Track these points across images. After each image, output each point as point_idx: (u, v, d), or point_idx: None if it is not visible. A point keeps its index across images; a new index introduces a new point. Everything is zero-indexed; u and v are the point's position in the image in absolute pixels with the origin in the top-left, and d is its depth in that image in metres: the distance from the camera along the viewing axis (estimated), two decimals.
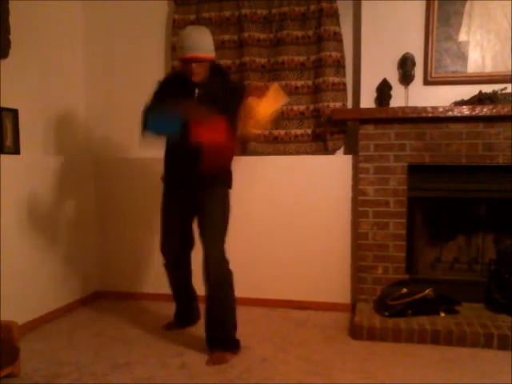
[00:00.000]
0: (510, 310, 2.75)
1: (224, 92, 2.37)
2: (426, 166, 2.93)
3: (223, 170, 2.45)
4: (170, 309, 2.89)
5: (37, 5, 2.96)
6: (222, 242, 2.41)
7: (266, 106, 2.19)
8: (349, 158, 3.16)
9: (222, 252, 2.40)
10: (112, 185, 3.51)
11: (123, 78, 3.49)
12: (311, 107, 3.19)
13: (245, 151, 3.24)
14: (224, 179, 2.48)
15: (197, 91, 2.36)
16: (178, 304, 2.82)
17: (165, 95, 2.39)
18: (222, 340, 2.42)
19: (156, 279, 3.32)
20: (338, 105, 3.12)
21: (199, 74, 2.31)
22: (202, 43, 2.28)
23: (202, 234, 2.43)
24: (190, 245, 2.64)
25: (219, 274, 2.38)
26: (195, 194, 2.43)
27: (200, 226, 2.45)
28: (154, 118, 2.29)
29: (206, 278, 2.37)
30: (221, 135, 2.20)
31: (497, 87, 2.80)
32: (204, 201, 2.41)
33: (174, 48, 3.31)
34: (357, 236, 3.07)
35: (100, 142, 3.53)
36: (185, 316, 2.82)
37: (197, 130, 2.18)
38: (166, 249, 2.63)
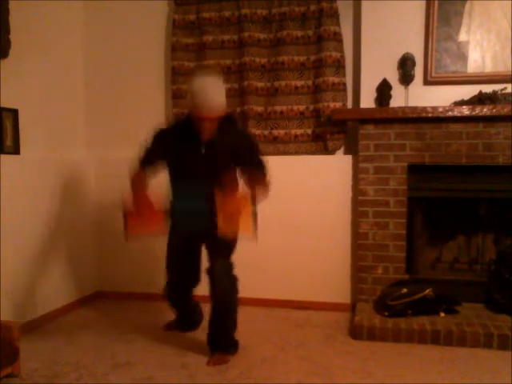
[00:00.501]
0: (510, 309, 2.75)
1: (233, 148, 2.31)
2: (426, 166, 2.93)
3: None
4: (169, 309, 2.88)
5: (37, 5, 2.96)
6: (230, 254, 2.41)
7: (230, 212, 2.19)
8: (349, 158, 3.16)
9: (229, 261, 2.39)
10: (112, 185, 3.51)
11: (123, 78, 3.49)
12: (311, 107, 3.19)
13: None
14: None
15: (204, 148, 2.28)
16: (178, 315, 2.78)
17: (165, 148, 2.32)
18: (223, 342, 2.42)
19: (155, 279, 3.31)
20: (338, 105, 3.12)
21: (211, 130, 2.23)
22: (218, 101, 2.17)
23: (210, 251, 2.42)
24: (195, 282, 2.58)
25: (226, 281, 2.35)
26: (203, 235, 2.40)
27: (208, 245, 2.44)
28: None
29: (212, 285, 2.34)
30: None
31: (497, 87, 2.80)
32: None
33: (174, 48, 3.32)
34: (357, 236, 3.07)
35: (100, 142, 3.53)
36: (186, 323, 2.78)
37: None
38: (168, 293, 2.59)
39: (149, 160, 2.35)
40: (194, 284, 2.58)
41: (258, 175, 2.37)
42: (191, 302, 2.69)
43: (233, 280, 2.38)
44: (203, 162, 2.29)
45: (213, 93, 2.15)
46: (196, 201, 2.26)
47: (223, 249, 2.37)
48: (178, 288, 2.58)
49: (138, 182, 2.32)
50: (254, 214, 2.30)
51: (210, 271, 2.34)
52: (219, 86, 2.20)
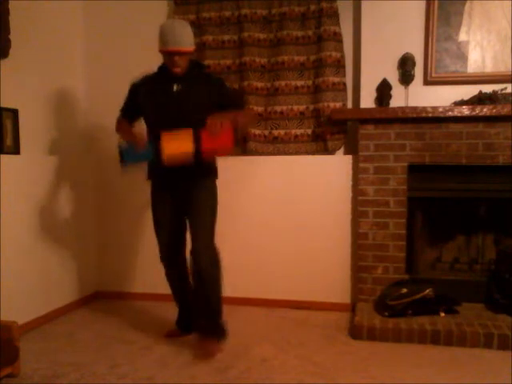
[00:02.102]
0: (510, 309, 2.75)
1: (206, 85, 2.41)
2: (426, 165, 2.93)
3: (211, 162, 2.49)
4: (169, 309, 2.89)
5: (37, 5, 2.96)
6: (212, 229, 2.45)
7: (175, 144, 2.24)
8: (349, 158, 3.16)
9: (211, 239, 2.43)
10: (112, 185, 3.51)
11: (123, 78, 3.45)
12: (311, 107, 3.19)
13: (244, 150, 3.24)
14: (211, 169, 2.51)
15: (175, 86, 2.38)
16: (180, 310, 2.76)
17: (140, 97, 2.45)
18: (212, 327, 2.45)
19: (155, 279, 3.31)
20: (338, 105, 3.12)
21: (181, 66, 2.34)
22: (185, 37, 2.31)
23: (191, 223, 2.44)
24: (183, 243, 2.63)
25: (210, 259, 2.39)
26: (184, 187, 2.44)
27: (189, 215, 2.46)
28: (127, 153, 2.30)
29: (194, 263, 2.39)
30: (229, 139, 2.24)
31: (497, 87, 2.80)
32: (193, 192, 2.42)
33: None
34: (357, 236, 3.07)
35: (100, 142, 3.53)
36: (188, 322, 2.75)
37: (207, 141, 2.23)
38: (162, 254, 2.60)
39: (128, 112, 2.54)
40: (182, 241, 2.61)
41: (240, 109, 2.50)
42: (185, 266, 2.65)
43: (217, 259, 2.43)
44: (176, 101, 2.36)
45: (180, 30, 2.30)
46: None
47: (207, 219, 2.42)
48: (169, 247, 2.58)
49: (124, 126, 2.51)
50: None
51: (193, 248, 2.39)
52: (186, 25, 2.35)
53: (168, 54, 2.33)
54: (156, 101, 2.40)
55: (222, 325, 2.51)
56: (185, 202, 2.45)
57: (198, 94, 2.37)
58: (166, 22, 2.41)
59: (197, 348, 2.42)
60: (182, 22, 2.40)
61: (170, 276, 2.67)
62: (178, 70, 2.35)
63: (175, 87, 2.38)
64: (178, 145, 2.24)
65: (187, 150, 2.24)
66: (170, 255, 2.60)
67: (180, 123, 2.28)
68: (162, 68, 2.45)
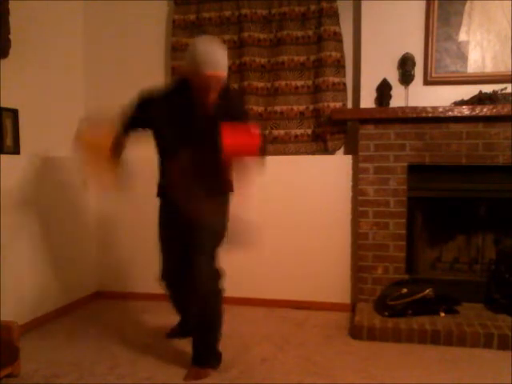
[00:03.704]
0: (510, 309, 2.75)
1: (228, 107, 2.19)
2: (426, 165, 2.93)
3: (225, 176, 2.26)
4: (169, 309, 2.88)
5: (37, 5, 2.96)
6: (213, 253, 2.26)
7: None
8: (349, 158, 3.16)
9: (210, 265, 2.24)
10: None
11: (123, 78, 3.49)
12: (311, 107, 3.19)
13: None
14: (225, 186, 2.29)
15: (200, 110, 2.15)
16: (182, 316, 2.71)
17: (154, 112, 2.20)
18: (203, 355, 2.28)
19: (155, 279, 3.31)
20: (338, 105, 3.12)
21: (216, 91, 2.11)
22: (224, 61, 2.09)
23: (189, 247, 2.25)
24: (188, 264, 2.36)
25: (209, 288, 2.23)
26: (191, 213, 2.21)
27: (189, 239, 2.25)
28: None
29: (194, 291, 2.22)
30: (255, 137, 2.06)
31: (497, 87, 2.80)
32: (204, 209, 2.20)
33: (174, 48, 3.32)
34: (357, 236, 3.07)
35: None
36: (188, 327, 2.60)
37: (229, 146, 2.00)
38: (163, 275, 2.50)
39: (132, 126, 2.31)
40: (186, 266, 2.35)
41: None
42: (187, 289, 2.43)
43: (216, 288, 2.25)
44: (200, 125, 2.15)
45: (222, 51, 2.07)
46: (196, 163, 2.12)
47: (212, 241, 2.23)
48: (171, 272, 2.47)
49: (120, 146, 2.31)
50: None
51: (191, 274, 2.21)
52: (225, 49, 2.10)
53: (205, 78, 2.06)
54: (177, 123, 2.17)
55: (216, 352, 2.32)
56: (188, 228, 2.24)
57: (220, 118, 2.14)
58: (204, 42, 2.08)
59: (188, 371, 2.26)
60: (220, 43, 2.12)
61: (170, 293, 2.57)
62: (213, 95, 2.10)
63: (199, 111, 2.15)
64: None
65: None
66: (171, 280, 2.50)
67: (199, 147, 2.15)
68: (182, 86, 2.16)
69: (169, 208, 2.36)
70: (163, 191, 2.36)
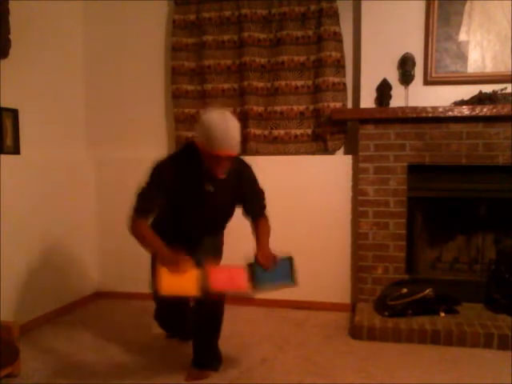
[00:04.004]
0: (510, 309, 2.75)
1: (237, 182, 2.19)
2: (426, 165, 2.93)
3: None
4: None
5: (37, 5, 2.96)
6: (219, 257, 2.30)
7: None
8: (349, 158, 3.16)
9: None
10: (112, 185, 3.51)
11: (123, 78, 3.49)
12: (311, 107, 3.19)
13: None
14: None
15: (208, 186, 2.10)
16: (181, 334, 2.59)
17: (167, 188, 2.06)
18: (206, 356, 2.27)
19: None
20: (338, 105, 3.12)
21: (226, 169, 2.05)
22: (238, 139, 2.02)
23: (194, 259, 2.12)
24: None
25: (215, 301, 2.17)
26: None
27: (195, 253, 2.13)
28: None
29: (199, 302, 2.15)
30: (242, 281, 2.05)
31: (497, 87, 2.80)
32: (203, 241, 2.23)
33: (174, 48, 3.32)
34: (357, 236, 3.07)
35: (100, 142, 3.53)
36: (188, 332, 2.51)
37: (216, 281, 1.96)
38: (161, 310, 2.40)
39: (153, 207, 2.10)
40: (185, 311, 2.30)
41: (265, 220, 2.34)
42: (188, 322, 2.37)
43: (222, 300, 2.22)
44: (207, 201, 2.12)
45: (236, 130, 2.00)
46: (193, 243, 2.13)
47: (214, 256, 2.22)
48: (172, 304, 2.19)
49: (154, 237, 2.05)
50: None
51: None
52: (238, 126, 2.03)
53: (214, 156, 1.99)
54: (186, 197, 2.10)
55: (218, 353, 2.31)
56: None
57: (228, 194, 2.18)
58: (219, 118, 1.97)
59: (189, 372, 2.25)
60: (234, 121, 2.01)
61: (171, 327, 2.49)
62: (223, 174, 2.05)
63: (207, 187, 2.11)
64: (180, 284, 1.91)
65: (190, 292, 1.94)
66: (172, 316, 2.37)
67: (206, 221, 2.16)
68: (193, 159, 2.08)
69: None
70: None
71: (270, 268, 2.12)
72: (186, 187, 2.08)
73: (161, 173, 2.08)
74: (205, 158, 2.03)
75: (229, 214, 2.27)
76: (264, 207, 2.36)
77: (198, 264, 2.00)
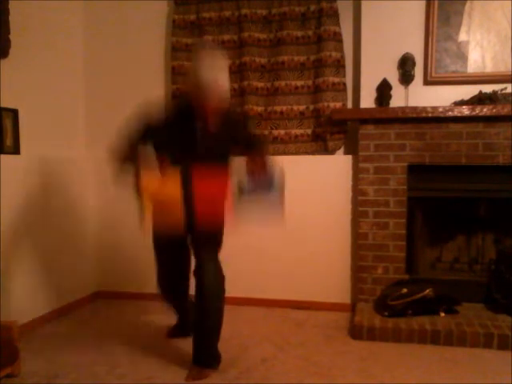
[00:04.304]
0: (510, 309, 2.75)
1: (228, 129, 2.25)
2: (426, 165, 2.93)
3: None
4: (169, 309, 2.88)
5: (37, 5, 2.96)
6: (218, 252, 2.31)
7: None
8: (349, 158, 3.16)
9: (218, 264, 2.28)
10: (112, 184, 3.51)
11: (123, 78, 3.49)
12: (311, 107, 3.19)
13: None
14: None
15: (201, 138, 2.17)
16: (180, 317, 2.70)
17: (162, 133, 2.17)
18: (205, 355, 2.27)
19: (155, 279, 3.31)
20: (338, 105, 3.12)
21: (217, 105, 2.12)
22: (225, 73, 2.10)
23: (199, 244, 2.28)
24: (187, 268, 2.45)
25: (214, 288, 2.24)
26: None
27: (199, 236, 2.26)
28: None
29: (198, 290, 2.21)
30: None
31: (497, 87, 2.80)
32: None
33: (174, 48, 3.32)
34: (357, 236, 3.07)
35: (100, 142, 3.52)
36: (187, 326, 2.62)
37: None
38: (163, 276, 2.47)
39: (147, 138, 2.18)
40: (185, 270, 2.43)
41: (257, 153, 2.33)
42: (186, 296, 2.53)
43: (221, 289, 2.26)
44: (206, 151, 2.17)
45: (219, 61, 2.07)
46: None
47: (210, 242, 2.27)
48: (170, 276, 2.45)
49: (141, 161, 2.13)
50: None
51: (197, 273, 2.24)
52: (224, 59, 2.10)
53: (205, 89, 2.06)
54: (182, 145, 2.18)
55: (217, 352, 2.31)
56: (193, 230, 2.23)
57: (223, 139, 2.23)
58: (203, 54, 2.09)
59: (189, 372, 2.25)
60: (221, 56, 2.12)
61: (169, 296, 2.57)
62: (215, 110, 2.13)
63: (203, 132, 2.17)
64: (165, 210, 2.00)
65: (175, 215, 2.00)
66: (170, 282, 2.48)
67: (205, 164, 2.17)
68: (185, 109, 2.21)
69: None
70: None
71: (257, 174, 2.15)
72: (180, 138, 2.16)
73: (150, 123, 2.20)
74: (196, 104, 2.10)
75: (225, 161, 2.26)
76: (258, 142, 2.41)
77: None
